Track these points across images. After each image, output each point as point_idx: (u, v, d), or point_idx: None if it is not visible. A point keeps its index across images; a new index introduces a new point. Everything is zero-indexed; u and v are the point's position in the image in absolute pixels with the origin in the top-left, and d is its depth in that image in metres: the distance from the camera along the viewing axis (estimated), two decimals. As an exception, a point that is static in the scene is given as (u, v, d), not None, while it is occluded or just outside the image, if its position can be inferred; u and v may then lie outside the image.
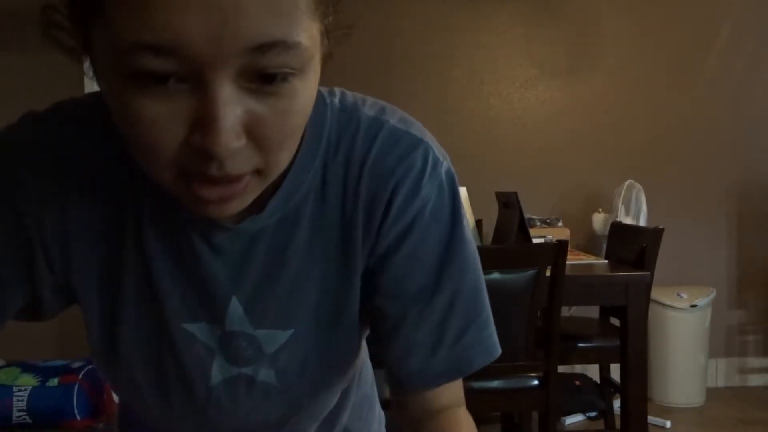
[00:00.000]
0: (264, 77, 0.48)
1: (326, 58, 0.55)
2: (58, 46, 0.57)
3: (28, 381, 3.66)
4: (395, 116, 0.69)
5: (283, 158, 0.54)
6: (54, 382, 3.66)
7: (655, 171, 4.06)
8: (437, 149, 0.69)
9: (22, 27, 4.01)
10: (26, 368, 3.73)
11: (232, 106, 0.48)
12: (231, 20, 0.44)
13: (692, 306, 3.71)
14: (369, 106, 0.68)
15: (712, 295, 3.80)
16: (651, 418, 3.13)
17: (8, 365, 3.79)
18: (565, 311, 3.66)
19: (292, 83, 0.50)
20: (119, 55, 0.46)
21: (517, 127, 4.08)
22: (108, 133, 0.61)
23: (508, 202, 2.95)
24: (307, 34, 0.49)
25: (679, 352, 3.74)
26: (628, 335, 2.55)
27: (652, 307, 3.62)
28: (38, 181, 0.62)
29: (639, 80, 4.08)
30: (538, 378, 2.46)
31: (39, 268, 0.63)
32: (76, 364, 3.78)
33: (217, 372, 0.70)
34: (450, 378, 0.72)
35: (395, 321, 0.69)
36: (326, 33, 0.54)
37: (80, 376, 3.69)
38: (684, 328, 3.72)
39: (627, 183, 3.80)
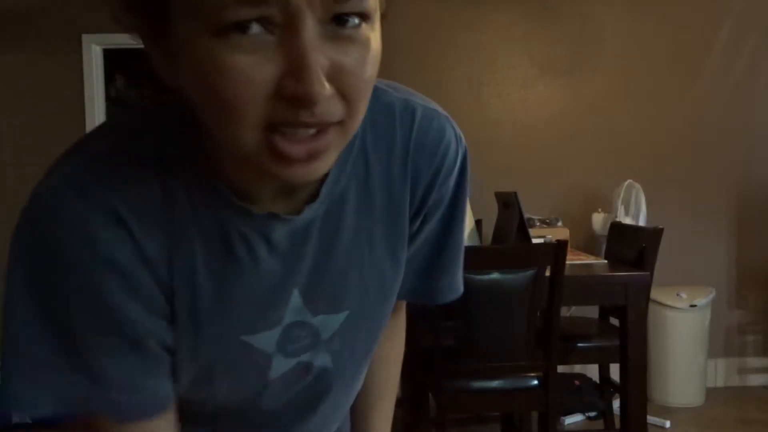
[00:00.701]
0: (339, 20, 0.51)
1: (384, 17, 0.58)
2: (122, 27, 0.55)
3: (28, 381, 3.67)
4: (417, 95, 0.74)
5: (362, 110, 0.55)
6: (54, 382, 3.67)
7: (655, 171, 4.06)
8: (452, 119, 0.76)
9: (22, 27, 4.01)
10: (26, 368, 3.74)
11: (320, 53, 0.50)
12: None
13: (692, 306, 3.71)
14: (393, 89, 0.72)
15: (712, 295, 3.80)
16: (650, 418, 3.13)
17: (8, 365, 3.80)
18: (565, 311, 3.66)
19: (363, 30, 0.52)
20: (211, 11, 0.48)
21: (517, 127, 4.08)
22: (142, 157, 0.61)
23: (507, 202, 2.95)
24: None
25: (679, 352, 3.74)
26: (628, 335, 2.55)
27: (651, 307, 3.62)
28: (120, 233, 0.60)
29: (639, 80, 4.08)
30: (537, 378, 2.46)
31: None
32: (76, 364, 3.79)
33: (276, 369, 0.70)
34: (422, 301, 0.82)
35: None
36: None
37: (80, 376, 3.70)
38: (683, 328, 3.72)
39: (626, 183, 3.80)
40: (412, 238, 0.75)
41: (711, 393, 3.91)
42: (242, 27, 0.48)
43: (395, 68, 3.97)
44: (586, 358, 2.95)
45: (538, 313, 2.44)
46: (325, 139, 0.53)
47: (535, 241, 2.83)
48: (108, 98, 4.43)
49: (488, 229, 3.58)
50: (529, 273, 2.34)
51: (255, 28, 0.49)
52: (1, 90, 4.01)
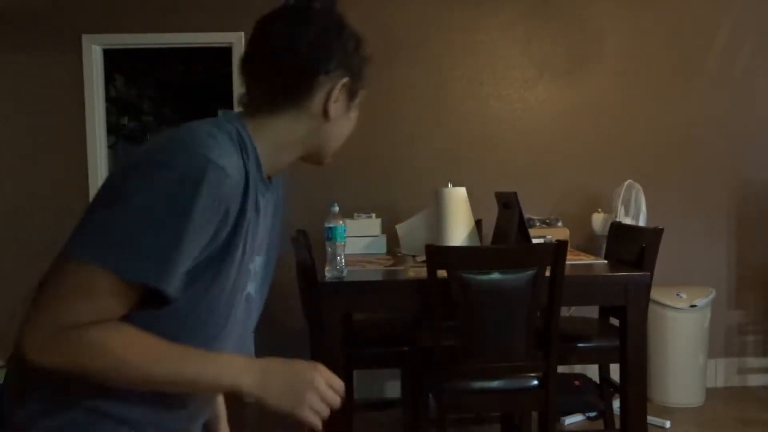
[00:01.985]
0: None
1: None
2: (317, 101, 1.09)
3: (28, 381, 3.66)
4: None
5: None
6: (54, 382, 3.66)
7: (655, 171, 4.07)
8: None
9: (22, 27, 4.02)
10: (26, 368, 3.74)
11: None
12: None
13: (692, 306, 3.71)
14: None
15: (712, 296, 3.80)
16: (650, 418, 3.13)
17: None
18: (565, 311, 3.66)
19: None
20: (353, 94, 1.11)
21: (517, 127, 4.08)
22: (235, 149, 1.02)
23: (507, 203, 2.95)
24: None
25: (679, 352, 3.74)
26: (628, 335, 2.55)
27: (651, 307, 3.62)
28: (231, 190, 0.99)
29: (639, 80, 4.09)
30: (537, 378, 2.46)
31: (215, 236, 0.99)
32: (76, 364, 3.79)
33: (248, 291, 1.12)
34: None
35: None
36: None
37: (80, 376, 3.69)
38: (683, 328, 3.73)
39: (626, 183, 3.80)
40: None
41: (711, 393, 3.91)
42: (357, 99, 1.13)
43: (395, 68, 3.98)
44: (586, 358, 2.94)
45: (538, 313, 2.44)
46: None
47: (535, 241, 2.83)
48: (108, 98, 4.43)
49: (488, 229, 3.58)
50: (529, 273, 2.34)
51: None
52: (1, 89, 4.01)
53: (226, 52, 4.05)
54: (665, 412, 3.65)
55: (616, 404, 3.21)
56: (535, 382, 2.46)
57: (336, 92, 1.06)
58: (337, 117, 1.08)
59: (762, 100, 4.10)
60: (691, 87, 4.09)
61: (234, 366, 0.97)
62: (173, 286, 0.92)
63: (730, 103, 4.09)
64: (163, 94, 6.63)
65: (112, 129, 5.18)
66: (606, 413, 3.22)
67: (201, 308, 0.99)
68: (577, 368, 3.82)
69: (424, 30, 4.03)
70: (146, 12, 3.97)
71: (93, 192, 4.00)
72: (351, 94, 1.09)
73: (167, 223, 0.89)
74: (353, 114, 1.12)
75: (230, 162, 0.96)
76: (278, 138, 1.07)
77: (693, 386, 3.77)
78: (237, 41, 3.97)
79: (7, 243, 4.02)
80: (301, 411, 0.99)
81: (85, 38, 3.95)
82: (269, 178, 1.11)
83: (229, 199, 0.96)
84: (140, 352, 0.92)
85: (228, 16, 3.98)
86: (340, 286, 2.48)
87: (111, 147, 5.25)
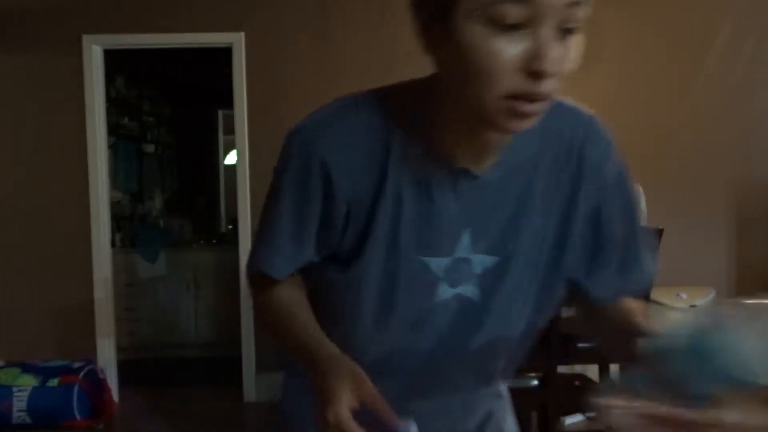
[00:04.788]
0: (565, 30, 0.74)
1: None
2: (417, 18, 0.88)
3: (28, 381, 3.66)
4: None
5: (557, 89, 0.77)
6: (54, 382, 3.66)
7: (655, 171, 4.06)
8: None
9: (22, 27, 4.02)
10: (26, 368, 3.74)
11: (554, 46, 0.72)
12: None
13: (692, 306, 3.71)
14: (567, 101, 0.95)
15: (712, 296, 3.80)
16: (651, 418, 3.12)
17: (8, 365, 3.79)
18: (565, 311, 3.65)
19: (574, 37, 0.76)
20: (487, 7, 0.71)
21: (517, 127, 4.08)
22: (363, 123, 0.87)
23: (507, 203, 2.95)
24: None
25: (679, 352, 3.73)
26: (628, 335, 2.55)
27: (651, 307, 3.61)
28: (342, 156, 0.86)
29: (638, 80, 4.08)
30: (538, 378, 2.46)
31: (338, 206, 0.87)
32: (76, 365, 3.79)
33: (440, 294, 0.91)
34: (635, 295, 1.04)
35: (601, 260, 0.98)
36: None
37: (80, 377, 3.69)
38: (684, 328, 3.72)
39: (627, 183, 3.79)
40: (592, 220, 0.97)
41: (711, 393, 3.91)
42: (508, 19, 0.71)
43: (396, 68, 3.97)
44: (586, 358, 2.94)
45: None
46: (544, 104, 0.76)
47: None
48: (108, 98, 4.43)
49: (488, 229, 3.58)
50: (529, 273, 2.34)
51: (515, 22, 0.71)
52: (2, 90, 4.01)
53: (226, 52, 4.05)
54: (665, 412, 3.64)
55: (616, 404, 3.20)
56: (535, 382, 2.46)
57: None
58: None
59: (762, 99, 4.10)
60: (691, 87, 4.09)
61: (316, 359, 0.85)
62: (275, 264, 0.93)
63: (730, 103, 4.09)
64: (163, 94, 6.63)
65: (112, 129, 5.18)
66: (606, 413, 3.21)
67: (351, 290, 0.92)
68: (577, 368, 3.82)
69: (424, 30, 4.02)
70: (146, 12, 3.97)
71: (93, 192, 4.01)
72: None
73: (267, 212, 0.93)
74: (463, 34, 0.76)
75: (330, 123, 0.87)
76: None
77: (693, 386, 3.76)
78: (237, 41, 3.97)
79: (7, 243, 4.02)
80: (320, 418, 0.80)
81: (86, 38, 3.95)
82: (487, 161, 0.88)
83: (327, 155, 0.86)
84: (270, 320, 0.97)
85: (228, 16, 3.99)
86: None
87: (111, 147, 5.25)
